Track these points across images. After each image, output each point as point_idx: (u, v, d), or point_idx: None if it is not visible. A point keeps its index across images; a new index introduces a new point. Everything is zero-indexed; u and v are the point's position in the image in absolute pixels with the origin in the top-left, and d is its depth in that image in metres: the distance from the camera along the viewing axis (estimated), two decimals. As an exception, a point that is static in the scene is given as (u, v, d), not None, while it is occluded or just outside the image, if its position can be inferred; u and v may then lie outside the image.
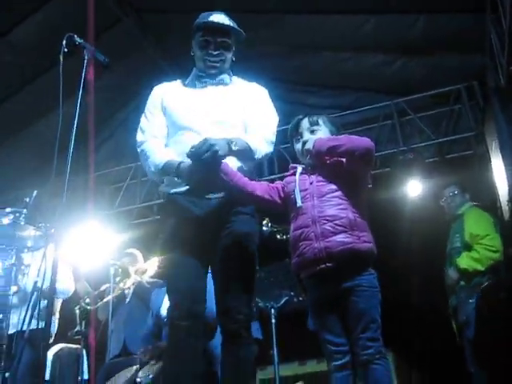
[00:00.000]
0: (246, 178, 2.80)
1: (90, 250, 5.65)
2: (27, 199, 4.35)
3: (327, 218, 2.62)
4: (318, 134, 2.82)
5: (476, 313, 3.78)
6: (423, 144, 7.11)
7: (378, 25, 6.42)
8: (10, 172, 7.92)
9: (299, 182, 2.76)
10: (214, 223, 2.82)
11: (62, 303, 5.24)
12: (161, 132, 3.08)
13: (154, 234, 7.16)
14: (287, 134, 3.02)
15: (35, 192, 4.42)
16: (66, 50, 2.70)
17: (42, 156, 8.24)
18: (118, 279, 5.23)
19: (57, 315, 5.09)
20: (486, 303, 2.79)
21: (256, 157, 2.85)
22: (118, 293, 5.24)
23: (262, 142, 2.92)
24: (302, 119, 2.89)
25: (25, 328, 4.49)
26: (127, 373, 4.16)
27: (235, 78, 3.24)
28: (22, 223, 4.24)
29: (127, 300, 5.33)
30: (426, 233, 6.51)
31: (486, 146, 5.30)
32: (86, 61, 2.76)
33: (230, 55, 3.12)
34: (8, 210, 4.28)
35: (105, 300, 5.25)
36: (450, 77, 6.91)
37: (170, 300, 2.84)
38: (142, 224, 8.00)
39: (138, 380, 3.94)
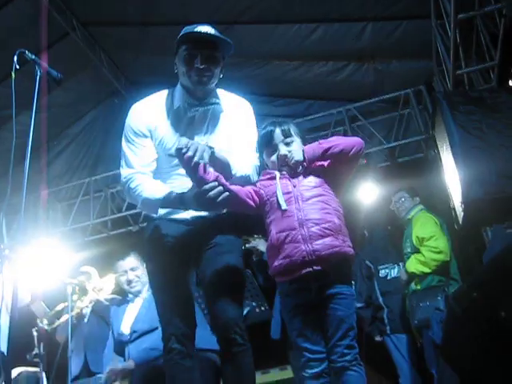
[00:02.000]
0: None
1: (44, 270, 5.52)
2: (-21, 221, 4.25)
3: (314, 221, 2.60)
4: (293, 145, 2.79)
5: (448, 314, 3.82)
6: (375, 149, 7.22)
7: (325, 33, 6.53)
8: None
9: (280, 185, 2.73)
10: (200, 236, 2.82)
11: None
12: (149, 166, 2.84)
13: (110, 250, 7.16)
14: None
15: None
16: (17, 66, 2.62)
17: (5, 168, 8.10)
18: (75, 298, 5.14)
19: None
20: (459, 304, 2.82)
21: (234, 174, 2.74)
22: (76, 312, 5.15)
23: (245, 165, 2.83)
24: (273, 131, 2.83)
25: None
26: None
27: (220, 93, 3.00)
28: (-22, 247, 4.13)
29: (86, 319, 5.23)
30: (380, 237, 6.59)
31: (436, 149, 5.40)
32: (38, 77, 2.69)
33: (217, 70, 2.85)
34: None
35: (63, 320, 5.15)
36: (399, 82, 7.06)
37: (163, 328, 2.82)
38: (97, 240, 7.89)
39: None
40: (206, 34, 2.76)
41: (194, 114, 2.87)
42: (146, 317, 4.17)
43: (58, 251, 6.46)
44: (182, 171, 2.66)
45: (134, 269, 4.57)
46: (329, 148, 2.69)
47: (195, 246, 2.83)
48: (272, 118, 7.16)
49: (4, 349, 4.68)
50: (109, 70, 7.79)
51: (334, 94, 7.54)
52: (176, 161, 2.67)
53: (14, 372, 4.93)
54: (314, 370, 2.56)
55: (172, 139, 2.84)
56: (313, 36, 6.56)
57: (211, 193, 2.53)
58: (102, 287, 5.32)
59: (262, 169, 2.93)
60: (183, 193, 2.67)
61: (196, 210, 2.70)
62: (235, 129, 2.93)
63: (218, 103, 2.90)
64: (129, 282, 4.52)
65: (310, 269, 2.57)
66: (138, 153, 2.84)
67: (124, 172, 2.86)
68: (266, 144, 2.85)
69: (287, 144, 2.79)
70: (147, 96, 3.03)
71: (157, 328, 4.11)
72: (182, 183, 2.76)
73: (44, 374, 4.89)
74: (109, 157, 8.21)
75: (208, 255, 2.82)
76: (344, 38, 6.54)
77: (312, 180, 2.74)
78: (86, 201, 8.06)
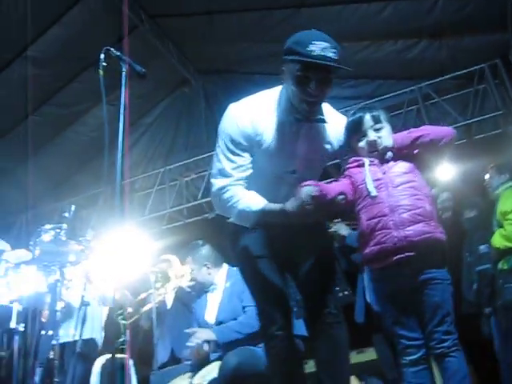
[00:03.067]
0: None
1: (126, 259, 5.67)
2: (66, 214, 4.40)
3: (405, 207, 2.57)
4: (382, 131, 2.74)
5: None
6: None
7: (394, 11, 6.38)
8: (44, 182, 7.97)
9: (369, 172, 2.69)
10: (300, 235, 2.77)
11: (107, 315, 5.28)
12: (245, 176, 2.71)
13: (187, 238, 7.27)
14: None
15: (73, 206, 4.46)
16: (104, 63, 2.68)
17: (73, 166, 8.39)
18: (158, 285, 5.25)
19: (102, 325, 5.13)
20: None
21: None
22: (159, 299, 5.27)
23: None
24: (363, 117, 2.77)
25: (72, 341, 4.56)
26: (181, 381, 4.15)
27: (324, 108, 2.82)
28: (64, 238, 4.28)
29: (169, 306, 5.34)
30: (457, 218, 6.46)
31: (515, 124, 5.25)
32: (124, 73, 2.74)
33: (329, 90, 2.63)
34: (48, 226, 4.33)
35: (147, 308, 5.28)
36: (472, 57, 6.84)
37: (262, 313, 2.87)
38: (174, 228, 8.03)
39: (195, 386, 3.94)
40: (324, 61, 2.48)
41: (299, 129, 2.74)
42: (229, 307, 4.22)
43: (136, 241, 6.63)
44: (278, 183, 2.75)
45: None
46: (418, 137, 2.66)
47: (288, 237, 2.80)
48: (340, 100, 7.17)
49: (95, 336, 4.87)
50: (177, 60, 7.90)
51: (405, 73, 7.36)
52: (272, 172, 2.75)
53: (102, 359, 5.11)
54: (412, 357, 2.55)
55: (275, 152, 2.73)
56: (382, 15, 6.42)
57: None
58: (183, 274, 5.42)
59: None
60: (283, 204, 2.57)
61: (295, 221, 2.57)
62: (334, 147, 2.88)
63: (323, 120, 2.76)
64: (209, 273, 4.58)
65: (402, 255, 2.54)
66: (236, 161, 2.71)
67: (218, 182, 2.74)
68: (355, 130, 2.80)
69: (377, 130, 2.75)
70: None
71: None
72: (278, 194, 2.72)
73: (131, 361, 5.05)
74: (181, 146, 8.35)
75: (301, 245, 2.82)
76: (414, 15, 6.38)
77: (402, 166, 2.70)
78: (162, 190, 8.20)
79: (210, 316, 4.37)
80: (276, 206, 2.60)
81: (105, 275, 4.92)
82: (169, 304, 5.35)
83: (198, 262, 4.67)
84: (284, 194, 2.69)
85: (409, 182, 2.64)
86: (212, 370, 3.94)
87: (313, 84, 2.54)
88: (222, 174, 2.73)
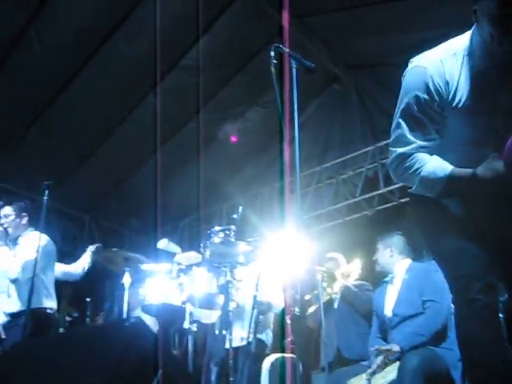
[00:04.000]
0: None
1: (291, 259, 5.67)
2: (235, 216, 4.47)
3: None
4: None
5: None
6: None
7: None
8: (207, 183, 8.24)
9: None
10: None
11: (275, 315, 5.32)
12: (432, 138, 2.39)
13: (346, 236, 7.16)
14: None
15: (241, 208, 4.52)
16: (274, 61, 2.65)
17: (228, 169, 8.61)
18: (324, 285, 5.20)
19: (271, 327, 5.17)
20: None
21: None
22: (326, 299, 5.22)
23: None
24: None
25: (244, 342, 4.62)
26: (358, 381, 4.07)
27: None
28: (233, 240, 4.34)
29: (335, 305, 5.28)
30: None
31: None
32: (294, 69, 2.70)
33: None
34: (218, 228, 4.41)
35: (314, 307, 5.25)
36: None
37: (460, 274, 2.39)
38: (333, 227, 7.94)
39: (371, 387, 3.85)
40: None
41: (501, 78, 2.33)
42: (408, 300, 4.11)
43: (298, 240, 6.63)
44: (475, 150, 2.33)
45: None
46: None
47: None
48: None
49: (265, 336, 4.91)
50: (327, 57, 7.82)
51: None
52: (469, 135, 2.35)
53: (271, 358, 5.13)
54: None
55: (471, 109, 2.34)
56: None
57: None
58: (350, 273, 5.33)
59: None
60: (474, 169, 2.26)
61: (488, 188, 2.26)
62: None
63: None
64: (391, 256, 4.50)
65: None
66: (421, 123, 2.37)
67: (397, 150, 2.42)
68: None
69: None
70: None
71: (421, 313, 4.04)
72: (469, 156, 2.35)
73: (299, 360, 5.03)
74: (336, 143, 8.25)
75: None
76: None
77: None
78: (318, 189, 8.15)
79: (388, 308, 4.26)
80: (466, 172, 2.28)
81: (273, 275, 4.94)
82: (335, 304, 5.28)
83: (384, 243, 4.69)
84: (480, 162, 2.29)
85: None
86: (391, 371, 3.81)
87: None
88: (403, 140, 2.41)
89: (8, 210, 4.84)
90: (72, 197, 8.20)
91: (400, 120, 2.43)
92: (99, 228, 9.48)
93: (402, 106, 2.42)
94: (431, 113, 2.36)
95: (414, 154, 2.38)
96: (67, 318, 6.68)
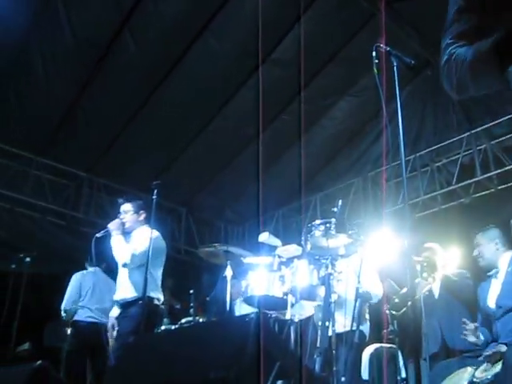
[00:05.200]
0: None
1: (388, 249, 5.68)
2: (335, 209, 4.53)
3: None
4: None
5: None
6: None
7: None
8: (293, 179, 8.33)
9: None
10: None
11: (370, 305, 5.33)
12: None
13: (443, 225, 7.06)
14: None
15: (340, 201, 4.58)
16: (376, 61, 2.69)
17: (321, 160, 8.66)
18: (424, 275, 5.19)
19: (367, 317, 5.19)
20: None
21: None
22: (426, 289, 5.20)
23: None
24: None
25: (345, 331, 4.68)
26: (463, 374, 4.05)
27: None
28: (333, 232, 4.41)
29: (436, 295, 5.24)
30: None
31: None
32: (395, 66, 2.74)
33: None
34: (318, 221, 4.49)
35: (414, 297, 5.24)
36: None
37: None
38: (428, 216, 7.84)
39: (476, 381, 3.82)
40: None
41: None
42: (510, 292, 4.05)
43: (394, 230, 6.62)
44: None
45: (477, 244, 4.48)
46: None
47: None
48: None
49: (364, 326, 4.96)
50: (418, 42, 7.70)
51: None
52: None
53: (371, 348, 5.18)
54: None
55: None
56: None
57: None
58: (448, 262, 5.29)
59: None
60: None
61: None
62: None
63: None
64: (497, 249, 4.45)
65: None
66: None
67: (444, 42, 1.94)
68: None
69: None
70: None
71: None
72: None
73: (399, 351, 5.05)
74: (429, 130, 8.13)
75: None
76: None
77: None
78: (413, 177, 8.07)
79: (491, 300, 4.22)
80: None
81: (373, 266, 4.97)
82: (436, 293, 5.25)
83: (487, 237, 4.66)
84: None
85: None
86: (496, 365, 3.78)
87: None
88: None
89: (128, 206, 5.20)
90: (169, 190, 8.48)
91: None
92: (195, 220, 9.75)
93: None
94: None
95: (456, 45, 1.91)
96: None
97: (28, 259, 6.22)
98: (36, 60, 6.84)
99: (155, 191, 4.71)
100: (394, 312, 5.14)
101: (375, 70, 2.73)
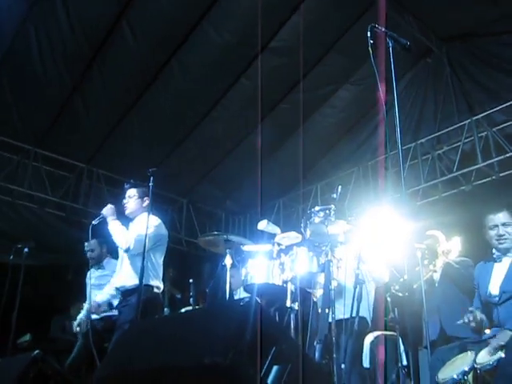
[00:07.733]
0: None
1: (389, 236, 5.65)
2: (334, 195, 4.49)
3: None
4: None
5: None
6: None
7: None
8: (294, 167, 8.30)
9: None
10: None
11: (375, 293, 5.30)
12: None
13: (443, 213, 7.03)
14: None
15: (340, 187, 4.53)
16: (371, 41, 2.65)
17: (323, 148, 8.63)
18: (425, 262, 5.16)
19: (370, 303, 5.16)
20: None
21: None
22: (427, 276, 5.17)
23: None
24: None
25: (345, 318, 4.65)
26: (463, 358, 4.01)
27: None
28: (333, 219, 4.37)
29: (437, 282, 5.22)
30: None
31: None
32: (391, 48, 2.70)
33: None
34: (318, 208, 4.45)
35: (415, 285, 5.21)
36: None
37: None
38: (429, 203, 7.81)
39: (477, 366, 3.78)
40: None
41: None
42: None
43: (394, 218, 6.59)
44: None
45: (506, 224, 4.32)
46: None
47: None
48: None
49: (367, 314, 4.93)
50: (418, 30, 7.65)
51: None
52: None
53: (371, 336, 5.15)
54: None
55: None
56: None
57: None
58: (450, 250, 5.25)
59: None
60: None
61: None
62: None
63: None
64: (498, 237, 4.30)
65: None
66: None
67: None
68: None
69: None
70: None
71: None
72: None
73: (400, 338, 5.01)
74: (430, 118, 8.09)
75: None
76: None
77: None
78: (414, 165, 8.03)
79: (495, 287, 4.16)
80: None
81: (373, 253, 4.93)
82: (437, 281, 5.22)
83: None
84: None
85: None
86: (499, 350, 3.74)
87: None
88: None
89: (133, 191, 5.18)
90: (169, 181, 8.45)
91: None
92: (196, 211, 9.73)
93: None
94: None
95: None
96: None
97: (26, 250, 6.16)
98: (34, 51, 6.80)
99: (151, 178, 4.68)
100: (394, 299, 5.10)
101: (370, 50, 2.68)
